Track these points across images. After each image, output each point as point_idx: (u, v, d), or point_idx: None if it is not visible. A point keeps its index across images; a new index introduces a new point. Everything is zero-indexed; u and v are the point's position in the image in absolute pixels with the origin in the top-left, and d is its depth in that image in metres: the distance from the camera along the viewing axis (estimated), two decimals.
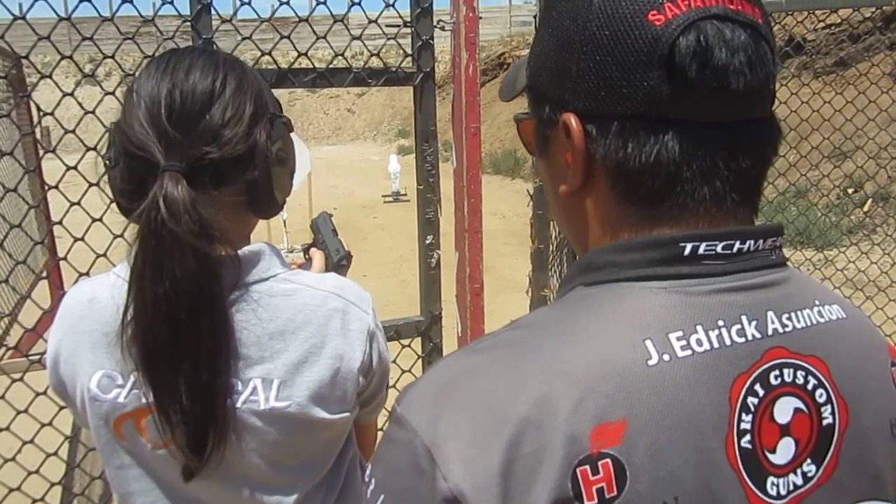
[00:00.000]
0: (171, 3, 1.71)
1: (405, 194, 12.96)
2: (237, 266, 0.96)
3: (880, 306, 3.37)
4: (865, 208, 7.53)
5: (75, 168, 1.72)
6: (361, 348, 1.03)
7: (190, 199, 0.90)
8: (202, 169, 0.94)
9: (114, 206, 1.74)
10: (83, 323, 1.00)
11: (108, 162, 0.99)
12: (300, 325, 0.98)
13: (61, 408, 1.91)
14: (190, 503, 1.04)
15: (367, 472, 0.61)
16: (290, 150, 1.05)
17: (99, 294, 1.00)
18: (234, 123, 0.95)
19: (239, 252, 0.98)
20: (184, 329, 0.91)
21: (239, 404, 0.97)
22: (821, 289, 0.70)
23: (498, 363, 0.59)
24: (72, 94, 1.66)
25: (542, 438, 0.53)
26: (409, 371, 2.09)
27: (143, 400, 0.96)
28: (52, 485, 1.99)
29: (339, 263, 1.36)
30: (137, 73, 1.02)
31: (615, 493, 0.53)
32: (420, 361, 2.10)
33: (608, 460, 0.54)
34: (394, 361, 2.03)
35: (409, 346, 2.05)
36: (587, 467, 0.53)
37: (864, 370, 0.67)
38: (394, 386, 2.06)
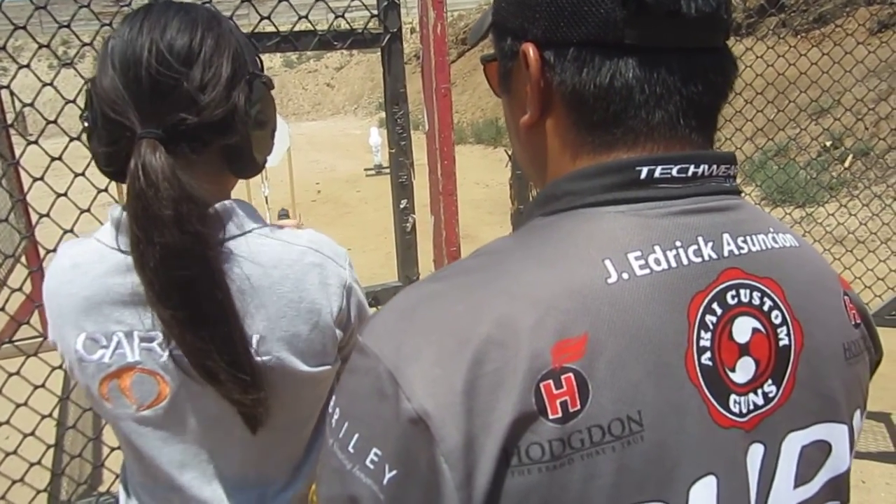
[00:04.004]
0: None
1: (387, 167, 12.87)
2: (220, 222, 0.96)
3: (860, 258, 3.39)
4: (847, 164, 7.54)
5: (36, 143, 1.68)
6: (338, 302, 1.03)
7: (169, 166, 0.89)
8: (180, 134, 0.92)
9: (79, 181, 1.71)
10: (66, 287, 0.99)
11: (85, 123, 0.98)
12: (277, 280, 0.98)
13: (36, 387, 1.90)
14: (176, 464, 1.03)
15: (332, 403, 0.60)
16: (270, 112, 1.03)
17: (80, 259, 1.00)
18: (212, 88, 0.93)
19: (217, 206, 0.96)
20: (185, 293, 0.91)
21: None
22: (773, 218, 0.70)
23: (459, 288, 0.59)
24: (27, 66, 1.61)
25: (505, 356, 0.53)
26: None
27: (127, 359, 0.96)
28: (31, 465, 1.97)
29: None
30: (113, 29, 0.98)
31: (578, 406, 0.54)
32: None
33: (571, 374, 0.54)
34: None
35: None
36: (550, 381, 0.53)
37: (817, 295, 0.67)
38: None
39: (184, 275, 0.91)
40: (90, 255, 0.99)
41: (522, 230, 0.66)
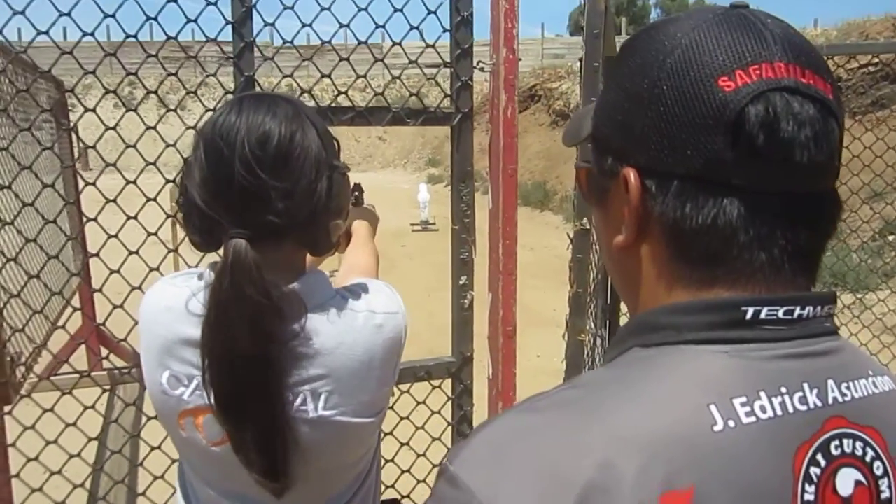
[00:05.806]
0: (215, 40, 1.74)
1: (434, 223, 12.97)
2: (299, 301, 1.03)
3: None
4: None
5: (93, 185, 1.75)
6: (398, 357, 1.14)
7: (256, 267, 0.98)
8: (267, 232, 1.01)
9: (143, 232, 1.76)
10: (158, 328, 1.09)
11: (179, 205, 1.07)
12: (350, 346, 1.06)
13: (68, 425, 1.90)
14: (236, 497, 1.11)
15: None
16: (345, 199, 1.12)
17: (175, 304, 1.08)
18: (297, 193, 1.01)
19: (296, 285, 1.05)
20: (248, 382, 0.99)
21: (291, 413, 1.04)
22: (871, 359, 0.69)
23: (557, 424, 0.57)
24: (93, 111, 1.69)
25: (609, 503, 0.52)
26: (439, 413, 2.05)
27: (203, 400, 1.03)
28: None
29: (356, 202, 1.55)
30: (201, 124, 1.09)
31: None
32: (450, 403, 2.07)
33: None
34: (423, 402, 2.01)
35: (439, 387, 2.02)
36: None
37: None
38: (422, 427, 2.03)
39: (248, 377, 0.99)
40: (184, 301, 1.07)
41: (619, 361, 0.65)
